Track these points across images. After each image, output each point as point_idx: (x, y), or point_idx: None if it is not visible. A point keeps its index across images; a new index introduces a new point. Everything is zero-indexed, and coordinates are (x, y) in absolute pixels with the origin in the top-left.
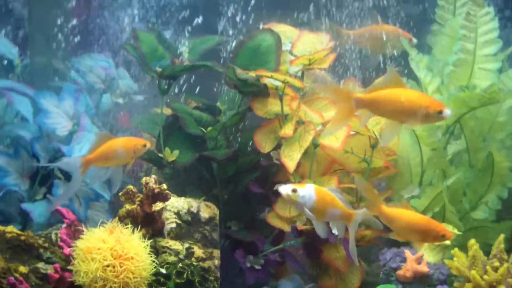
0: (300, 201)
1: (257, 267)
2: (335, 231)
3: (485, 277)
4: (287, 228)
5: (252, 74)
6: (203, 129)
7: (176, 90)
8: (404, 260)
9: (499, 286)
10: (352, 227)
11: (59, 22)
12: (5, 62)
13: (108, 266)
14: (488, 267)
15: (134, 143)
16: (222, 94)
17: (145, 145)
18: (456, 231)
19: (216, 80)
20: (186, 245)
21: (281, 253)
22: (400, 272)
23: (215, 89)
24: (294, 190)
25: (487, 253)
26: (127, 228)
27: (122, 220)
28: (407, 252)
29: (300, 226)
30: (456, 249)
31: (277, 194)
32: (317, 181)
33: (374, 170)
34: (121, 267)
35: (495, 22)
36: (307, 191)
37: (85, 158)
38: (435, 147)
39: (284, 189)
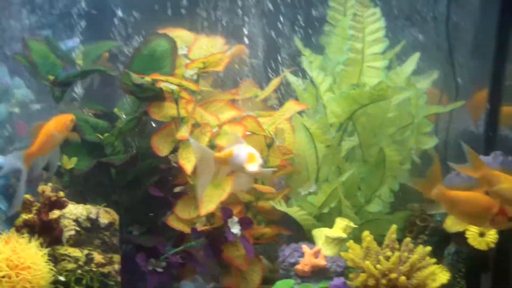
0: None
1: (159, 270)
2: (234, 230)
3: (378, 266)
4: (187, 229)
5: (148, 78)
6: (99, 135)
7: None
8: (302, 255)
9: (391, 274)
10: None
11: None
12: None
13: (3, 277)
14: (381, 257)
15: (63, 121)
16: (121, 100)
17: (72, 119)
18: (352, 225)
19: (115, 87)
20: (86, 251)
21: (182, 254)
22: (298, 266)
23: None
24: (259, 166)
25: (382, 244)
26: (23, 237)
27: (19, 230)
28: (305, 247)
29: (200, 227)
30: (351, 241)
31: (177, 196)
32: (215, 181)
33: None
34: (17, 277)
35: (381, 21)
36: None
37: (27, 152)
38: (329, 144)
39: (252, 168)
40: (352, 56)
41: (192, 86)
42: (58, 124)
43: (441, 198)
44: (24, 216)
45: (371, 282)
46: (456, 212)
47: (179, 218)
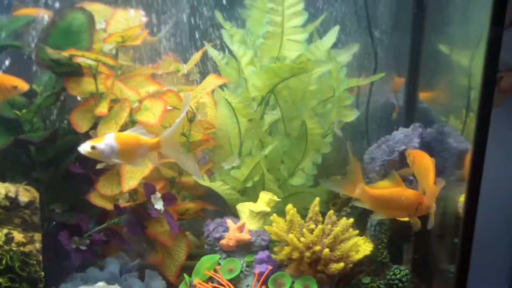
0: (103, 154)
1: (83, 248)
2: (158, 206)
3: (302, 239)
4: (110, 206)
5: (65, 54)
6: (17, 112)
7: None
8: (226, 229)
9: (315, 247)
10: (168, 150)
11: None
12: None
13: None
14: (304, 230)
15: (4, 81)
16: (39, 76)
17: (16, 87)
18: (275, 198)
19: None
20: (5, 230)
21: (106, 232)
22: (223, 241)
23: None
24: (92, 147)
25: (306, 217)
26: None
27: None
28: (229, 222)
29: (122, 203)
30: (274, 215)
31: (99, 173)
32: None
33: (193, 143)
34: None
35: None
36: (107, 142)
37: None
38: (251, 118)
39: (84, 148)
40: (272, 29)
41: (110, 61)
42: None
43: (364, 197)
44: None
45: (295, 255)
46: (381, 209)
47: (102, 195)
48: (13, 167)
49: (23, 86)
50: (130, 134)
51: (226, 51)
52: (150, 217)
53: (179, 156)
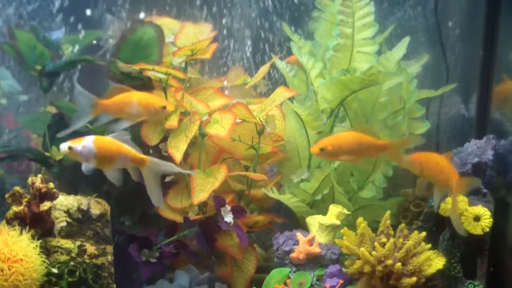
0: (80, 156)
1: (153, 260)
2: (227, 219)
3: (374, 253)
4: (179, 219)
5: (135, 67)
6: (89, 125)
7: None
8: (296, 242)
9: (387, 261)
10: (148, 173)
11: None
12: None
13: None
14: (376, 243)
15: (154, 101)
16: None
17: (164, 107)
18: (345, 211)
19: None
20: (78, 243)
21: (175, 244)
22: (293, 254)
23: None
24: (70, 147)
25: (376, 230)
26: (14, 230)
27: (9, 222)
28: (299, 235)
29: (192, 216)
30: (345, 228)
31: (168, 186)
32: (207, 170)
33: (263, 156)
34: (9, 270)
35: (370, 6)
36: (85, 144)
37: (100, 100)
38: (321, 131)
39: (62, 147)
40: (342, 41)
41: (179, 75)
42: (145, 99)
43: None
44: (15, 208)
45: (366, 269)
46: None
47: (171, 208)
48: (85, 180)
49: (171, 107)
50: (112, 140)
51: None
52: (220, 229)
53: (154, 185)
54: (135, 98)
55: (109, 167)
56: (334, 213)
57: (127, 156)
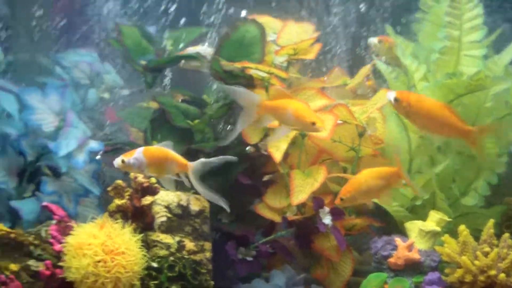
0: (133, 167)
1: (249, 258)
2: (326, 220)
3: (476, 262)
4: (277, 218)
5: (237, 65)
6: (190, 122)
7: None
8: (395, 248)
9: (490, 271)
10: (194, 177)
11: (43, 17)
12: None
13: (99, 261)
14: (478, 253)
15: (305, 114)
16: (209, 86)
17: (314, 123)
18: (446, 218)
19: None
20: (177, 238)
21: (272, 244)
22: (391, 260)
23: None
24: (122, 161)
25: (477, 239)
26: (117, 223)
27: (112, 215)
28: (398, 240)
29: (290, 216)
30: (446, 235)
31: (267, 184)
32: (306, 170)
33: (362, 158)
34: (112, 262)
35: (479, 8)
36: (136, 156)
37: (265, 101)
38: (422, 134)
39: (116, 162)
40: (449, 44)
41: (282, 74)
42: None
43: None
44: (117, 202)
45: (468, 278)
46: None
47: (269, 207)
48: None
49: (321, 124)
50: (159, 148)
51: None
52: (318, 231)
53: (198, 186)
54: (291, 107)
55: (161, 174)
56: (435, 219)
57: (173, 161)
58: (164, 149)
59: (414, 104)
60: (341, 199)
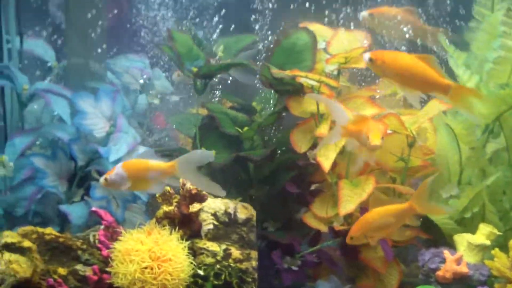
0: (115, 183)
1: (294, 268)
2: None
3: None
4: (324, 228)
5: (288, 73)
6: (239, 129)
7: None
8: (443, 260)
9: None
10: (184, 174)
11: (95, 23)
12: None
13: (146, 268)
14: None
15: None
16: (258, 93)
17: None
18: (496, 231)
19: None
20: (224, 246)
21: (318, 254)
22: (439, 273)
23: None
24: (105, 179)
25: None
26: (164, 229)
27: (159, 221)
28: (446, 253)
29: (337, 226)
30: (496, 249)
31: (314, 194)
32: (354, 180)
33: (411, 169)
34: (159, 268)
35: None
36: (116, 172)
37: (344, 126)
38: (473, 146)
39: (101, 181)
40: (503, 54)
41: (333, 83)
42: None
43: None
44: (165, 208)
45: None
46: None
47: (316, 216)
48: (231, 183)
49: (377, 142)
50: (138, 160)
51: None
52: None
53: (196, 180)
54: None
55: (145, 186)
56: (484, 233)
57: (157, 170)
58: (143, 160)
59: (389, 62)
60: (351, 238)
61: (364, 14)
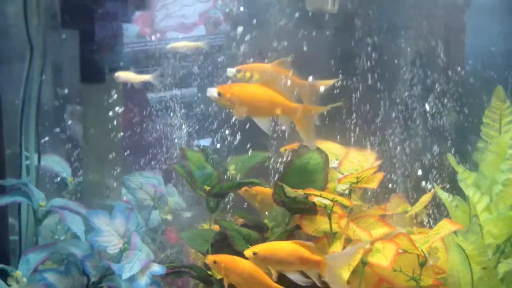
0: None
1: None
2: None
3: None
4: None
5: (301, 192)
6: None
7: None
8: None
9: None
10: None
11: (111, 139)
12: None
13: None
14: None
15: None
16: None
17: None
18: None
19: None
20: None
21: None
22: None
23: None
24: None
25: None
26: None
27: None
28: None
29: None
30: None
31: None
32: None
33: None
34: None
35: None
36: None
37: None
38: (485, 266)
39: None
40: None
41: (346, 202)
42: None
43: None
44: None
45: None
46: None
47: None
48: None
49: None
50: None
51: None
52: None
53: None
54: None
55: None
56: None
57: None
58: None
59: (237, 93)
60: (254, 253)
61: (231, 70)
